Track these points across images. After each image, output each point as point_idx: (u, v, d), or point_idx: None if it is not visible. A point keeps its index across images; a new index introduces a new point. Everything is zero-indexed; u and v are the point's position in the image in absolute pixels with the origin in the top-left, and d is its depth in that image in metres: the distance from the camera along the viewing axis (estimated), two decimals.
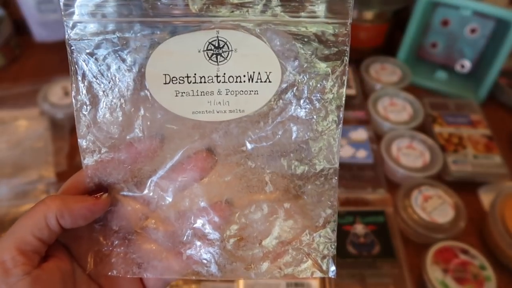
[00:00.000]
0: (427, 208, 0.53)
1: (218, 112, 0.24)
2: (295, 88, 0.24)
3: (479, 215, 0.56)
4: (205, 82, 0.24)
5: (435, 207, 0.53)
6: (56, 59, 0.77)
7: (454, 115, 0.67)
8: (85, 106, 0.24)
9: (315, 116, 0.25)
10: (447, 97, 0.73)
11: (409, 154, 0.60)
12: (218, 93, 0.24)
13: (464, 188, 0.58)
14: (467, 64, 0.73)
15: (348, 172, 0.59)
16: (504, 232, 0.49)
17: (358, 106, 0.68)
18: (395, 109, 0.67)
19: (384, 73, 0.74)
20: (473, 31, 0.71)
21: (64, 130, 0.64)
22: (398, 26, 0.78)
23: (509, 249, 0.49)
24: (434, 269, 0.47)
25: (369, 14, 0.74)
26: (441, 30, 0.73)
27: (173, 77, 0.24)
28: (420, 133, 0.62)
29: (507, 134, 0.67)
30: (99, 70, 0.23)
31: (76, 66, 0.23)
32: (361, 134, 0.64)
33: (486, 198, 0.58)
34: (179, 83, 0.24)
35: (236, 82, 0.24)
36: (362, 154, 0.61)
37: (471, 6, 0.67)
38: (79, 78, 0.23)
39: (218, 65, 0.23)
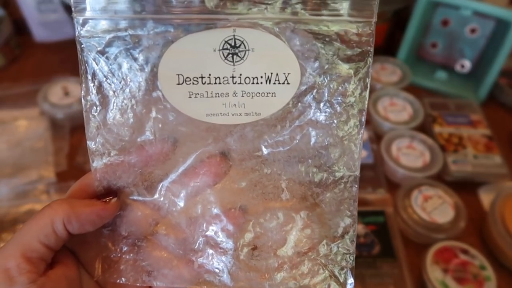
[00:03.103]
0: (427, 208, 0.53)
1: (233, 114, 0.23)
2: (315, 91, 0.23)
3: (479, 215, 0.56)
4: (220, 83, 0.23)
5: (435, 207, 0.53)
6: (56, 59, 0.77)
7: (454, 115, 0.67)
8: (95, 107, 0.23)
9: (335, 121, 0.23)
10: (447, 97, 0.73)
11: (409, 154, 0.60)
12: (234, 95, 0.23)
13: (464, 188, 0.58)
14: (467, 64, 0.73)
15: None
16: (504, 232, 0.49)
17: None
18: (395, 109, 0.67)
19: (384, 73, 0.74)
20: (473, 31, 0.71)
21: (64, 130, 0.64)
22: (398, 26, 0.78)
23: (509, 249, 0.49)
24: (434, 269, 0.47)
25: None
26: (441, 30, 0.73)
27: (187, 78, 0.22)
28: (420, 133, 0.62)
29: (507, 134, 0.67)
30: (110, 70, 0.22)
31: (86, 65, 0.22)
32: None
33: (486, 198, 0.58)
34: (193, 83, 0.23)
35: (253, 83, 0.23)
36: (362, 154, 0.61)
37: (471, 6, 0.67)
38: (89, 77, 0.22)
39: (234, 65, 0.22)
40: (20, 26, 0.80)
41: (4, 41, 0.76)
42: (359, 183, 0.59)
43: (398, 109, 0.67)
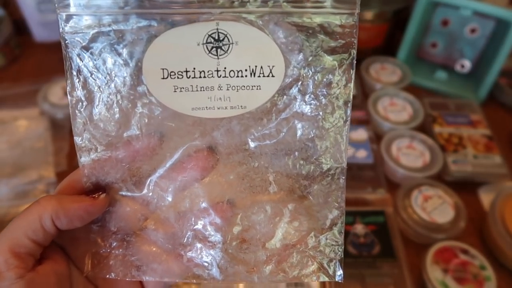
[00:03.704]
0: (427, 208, 0.53)
1: (219, 108, 0.23)
2: (299, 83, 0.23)
3: (479, 215, 0.56)
4: (205, 76, 0.23)
5: (435, 207, 0.53)
6: (56, 59, 0.76)
7: (454, 115, 0.67)
8: (80, 103, 0.23)
9: (321, 113, 0.23)
10: (447, 97, 0.73)
11: (409, 154, 0.60)
12: (219, 88, 0.23)
13: (464, 188, 0.58)
14: (467, 64, 0.73)
15: (348, 172, 0.58)
16: (504, 232, 0.49)
17: (358, 106, 0.68)
18: (395, 109, 0.67)
19: (384, 73, 0.74)
20: (473, 31, 0.71)
21: (64, 130, 0.64)
22: (398, 26, 0.78)
23: (509, 249, 0.49)
24: (434, 269, 0.47)
25: (369, 14, 0.74)
26: (441, 30, 0.73)
27: (171, 72, 0.22)
28: (420, 133, 0.62)
29: (507, 134, 0.67)
30: (94, 65, 0.22)
31: (71, 61, 0.22)
32: (361, 134, 0.64)
33: (486, 198, 0.58)
34: (178, 78, 0.23)
35: (238, 76, 0.23)
36: (362, 154, 0.61)
37: (471, 6, 0.67)
38: (74, 73, 0.22)
39: (218, 58, 0.22)
40: (20, 26, 0.80)
41: (4, 41, 0.76)
42: (360, 183, 0.58)
43: (398, 109, 0.67)
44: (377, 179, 0.58)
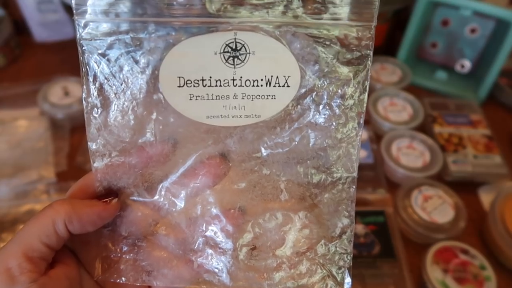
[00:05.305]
0: (427, 208, 0.53)
1: (233, 117, 0.23)
2: (314, 93, 0.23)
3: (479, 215, 0.56)
4: (220, 85, 0.23)
5: (435, 207, 0.53)
6: (56, 59, 0.77)
7: (454, 115, 0.67)
8: (95, 109, 0.23)
9: (334, 123, 0.24)
10: (447, 97, 0.73)
11: (409, 154, 0.60)
12: (234, 97, 0.23)
13: (464, 188, 0.58)
14: (467, 64, 0.73)
15: None
16: (504, 232, 0.49)
17: None
18: (395, 109, 0.67)
19: (384, 73, 0.74)
20: (473, 31, 0.71)
21: (64, 130, 0.64)
22: (398, 26, 0.78)
23: (509, 249, 0.49)
24: (434, 269, 0.47)
25: None
26: (441, 30, 0.73)
27: (188, 80, 0.23)
28: (420, 133, 0.62)
29: (507, 134, 0.67)
30: (111, 72, 0.22)
31: (88, 67, 0.22)
32: None
33: (486, 198, 0.58)
34: (194, 86, 0.23)
35: (253, 86, 0.23)
36: (362, 154, 0.61)
37: (471, 6, 0.67)
38: (90, 79, 0.22)
39: (234, 68, 0.23)
40: (20, 26, 0.80)
41: (4, 41, 0.76)
42: (360, 183, 0.59)
43: (398, 109, 0.67)
44: (377, 179, 0.58)
